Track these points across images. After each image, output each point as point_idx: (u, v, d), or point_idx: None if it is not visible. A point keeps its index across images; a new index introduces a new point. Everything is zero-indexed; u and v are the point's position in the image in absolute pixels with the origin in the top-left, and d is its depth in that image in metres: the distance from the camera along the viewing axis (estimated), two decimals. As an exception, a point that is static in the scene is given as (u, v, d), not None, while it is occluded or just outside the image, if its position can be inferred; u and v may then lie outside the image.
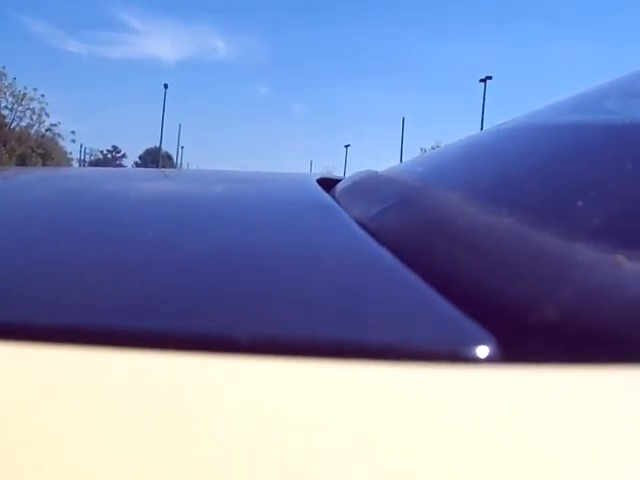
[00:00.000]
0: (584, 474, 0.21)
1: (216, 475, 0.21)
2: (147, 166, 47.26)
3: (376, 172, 0.68)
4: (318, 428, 0.23)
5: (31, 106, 31.93)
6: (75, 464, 0.21)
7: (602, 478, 0.21)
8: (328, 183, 0.73)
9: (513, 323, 0.30)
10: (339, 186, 0.70)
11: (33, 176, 0.97)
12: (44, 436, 0.22)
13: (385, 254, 0.39)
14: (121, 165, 51.06)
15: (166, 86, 40.96)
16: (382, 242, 0.42)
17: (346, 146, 49.94)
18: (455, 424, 0.24)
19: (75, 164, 42.45)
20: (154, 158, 47.87)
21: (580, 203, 0.40)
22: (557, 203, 0.43)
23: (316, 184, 0.71)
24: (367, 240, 0.43)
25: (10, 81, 31.02)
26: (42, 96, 32.27)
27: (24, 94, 31.49)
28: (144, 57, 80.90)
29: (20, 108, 31.81)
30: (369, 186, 0.61)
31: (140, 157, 54.80)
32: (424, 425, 0.24)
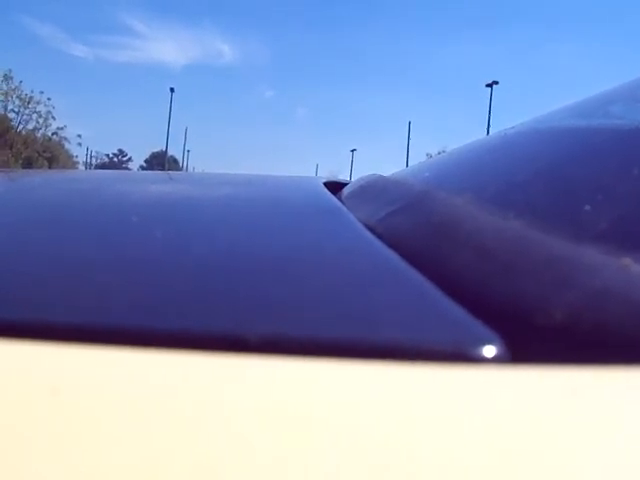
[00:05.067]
0: (591, 475, 0.21)
1: (223, 474, 0.21)
2: (153, 169, 47.29)
3: (383, 176, 0.68)
4: (325, 427, 0.23)
5: (37, 109, 32.03)
6: (83, 462, 0.21)
7: (609, 479, 0.21)
8: (334, 186, 0.74)
9: (520, 324, 0.30)
10: (346, 190, 0.70)
11: (42, 178, 0.97)
12: (50, 435, 0.22)
13: (393, 256, 0.39)
14: (127, 168, 51.13)
15: (172, 90, 41.08)
16: (390, 244, 0.42)
17: (352, 150, 49.97)
18: (461, 424, 0.24)
19: (81, 167, 42.58)
20: (160, 162, 47.95)
21: (587, 206, 0.40)
22: (564, 206, 0.44)
23: (323, 187, 0.71)
24: (375, 242, 0.43)
25: (16, 84, 31.14)
26: (48, 99, 32.39)
27: (30, 97, 31.59)
28: (150, 61, 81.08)
29: (26, 111, 31.91)
30: (376, 190, 0.61)
31: (146, 161, 54.88)
32: (431, 425, 0.24)
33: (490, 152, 0.67)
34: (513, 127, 0.74)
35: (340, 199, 0.64)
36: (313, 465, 0.21)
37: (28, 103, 31.57)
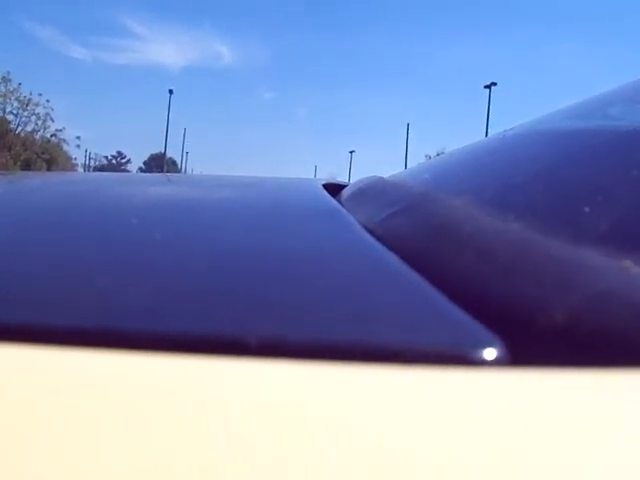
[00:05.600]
0: (592, 478, 0.21)
1: (223, 476, 0.21)
2: (151, 171, 47.28)
3: (382, 178, 0.68)
4: (325, 431, 0.23)
5: (36, 111, 31.97)
6: (83, 464, 0.21)
7: None
8: (333, 188, 0.74)
9: (521, 327, 0.30)
10: (345, 191, 0.70)
11: (41, 180, 0.97)
12: (50, 437, 0.22)
13: (393, 258, 0.39)
14: (126, 170, 51.19)
15: (171, 92, 41.03)
16: (390, 247, 0.42)
17: (351, 152, 49.98)
18: (461, 427, 0.24)
19: (80, 169, 42.55)
20: (159, 164, 47.91)
21: (587, 208, 0.40)
22: (564, 208, 0.44)
23: (322, 189, 0.71)
24: (375, 245, 0.43)
25: (15, 86, 31.13)
26: (47, 101, 32.33)
27: (29, 99, 31.55)
28: (149, 63, 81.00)
29: (25, 113, 31.87)
30: (376, 191, 0.61)
31: (145, 162, 54.85)
32: (431, 428, 0.24)
33: (490, 154, 0.67)
34: (512, 129, 0.74)
35: (339, 201, 0.64)
36: (313, 468, 0.21)
37: (27, 105, 31.55)
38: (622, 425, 0.24)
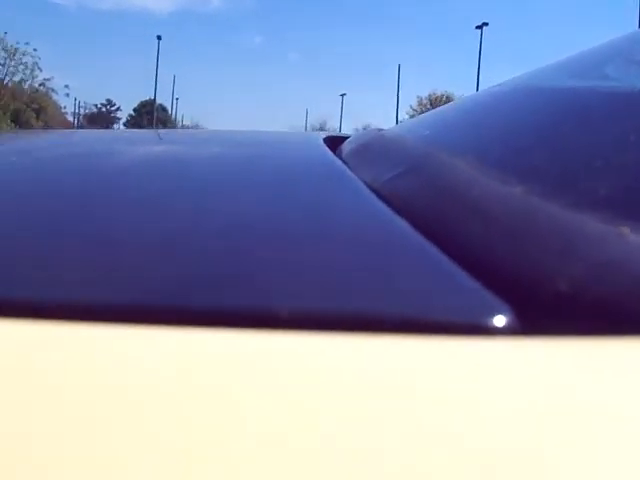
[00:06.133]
0: (601, 444, 0.21)
1: (225, 454, 0.20)
2: (142, 118, 47.02)
3: (382, 133, 0.68)
4: (334, 402, 0.23)
5: (23, 61, 31.59)
6: (75, 452, 0.21)
7: (617, 449, 0.21)
8: (333, 141, 0.73)
9: (530, 293, 0.29)
10: (345, 147, 0.69)
11: (25, 141, 0.96)
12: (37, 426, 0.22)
13: (400, 222, 0.39)
14: (116, 117, 50.84)
15: (159, 37, 40.49)
16: (396, 210, 0.41)
17: (342, 95, 49.56)
18: (471, 395, 0.24)
19: (70, 118, 42.22)
20: (149, 110, 47.44)
21: (597, 172, 0.39)
22: (572, 172, 0.42)
23: (324, 146, 0.71)
24: (381, 207, 0.42)
25: (1, 36, 30.66)
26: (34, 50, 31.92)
27: (16, 49, 31.11)
28: (135, 8, 79.63)
29: (12, 63, 31.45)
30: (378, 149, 0.60)
31: (135, 109, 54.29)
32: (442, 396, 0.23)
33: (490, 110, 0.66)
34: (501, 84, 0.73)
35: (340, 156, 0.63)
36: (324, 437, 0.21)
37: (14, 55, 31.10)
38: (630, 393, 0.24)
